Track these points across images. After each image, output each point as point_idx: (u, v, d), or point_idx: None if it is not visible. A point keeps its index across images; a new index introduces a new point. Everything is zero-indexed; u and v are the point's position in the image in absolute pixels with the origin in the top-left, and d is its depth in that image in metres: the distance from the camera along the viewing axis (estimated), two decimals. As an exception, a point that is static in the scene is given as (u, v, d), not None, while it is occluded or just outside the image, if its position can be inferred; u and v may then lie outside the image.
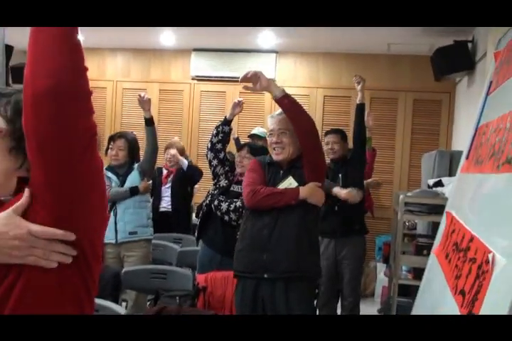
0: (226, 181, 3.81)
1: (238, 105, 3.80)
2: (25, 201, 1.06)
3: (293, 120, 2.71)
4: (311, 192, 2.73)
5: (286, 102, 2.68)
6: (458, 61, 4.97)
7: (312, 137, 2.75)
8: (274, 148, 2.85)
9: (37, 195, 1.06)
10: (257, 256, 2.72)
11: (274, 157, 2.87)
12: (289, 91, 2.80)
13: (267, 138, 2.96)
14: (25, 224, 1.05)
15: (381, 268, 5.76)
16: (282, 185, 2.79)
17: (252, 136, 5.41)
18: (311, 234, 2.79)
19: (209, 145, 3.81)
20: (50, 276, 1.08)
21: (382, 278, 5.62)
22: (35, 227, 1.05)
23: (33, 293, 1.06)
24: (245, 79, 2.71)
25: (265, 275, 2.71)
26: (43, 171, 1.03)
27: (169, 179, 5.47)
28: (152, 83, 7.10)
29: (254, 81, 2.71)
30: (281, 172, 2.86)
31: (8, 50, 1.88)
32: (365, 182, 4.60)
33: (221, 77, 6.79)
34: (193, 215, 5.68)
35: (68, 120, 1.00)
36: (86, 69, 1.05)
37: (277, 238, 2.70)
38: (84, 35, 6.54)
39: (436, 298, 2.28)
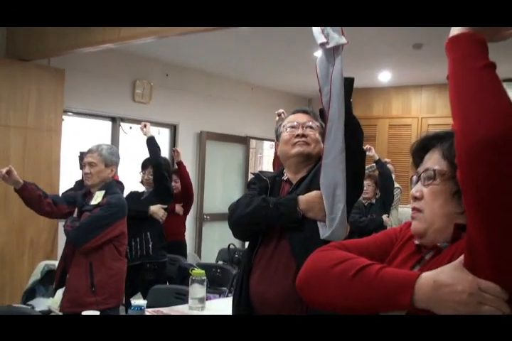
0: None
1: None
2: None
3: None
4: None
5: None
6: None
7: None
8: None
9: (473, 250, 0.97)
10: None
11: None
12: None
13: None
14: (474, 278, 0.97)
15: None
16: None
17: None
18: None
19: None
20: None
21: None
22: (485, 282, 0.96)
23: None
24: None
25: None
26: (479, 228, 0.93)
27: None
28: (458, 118, 6.80)
29: None
30: None
31: (349, 81, 1.88)
32: None
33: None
34: None
35: (509, 169, 0.87)
36: None
37: None
38: (391, 74, 6.68)
39: None
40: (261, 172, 2.27)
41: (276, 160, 3.10)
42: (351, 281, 1.08)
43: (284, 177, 2.15)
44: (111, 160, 3.11)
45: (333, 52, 1.79)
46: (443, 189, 1.09)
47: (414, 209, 1.14)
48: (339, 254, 1.17)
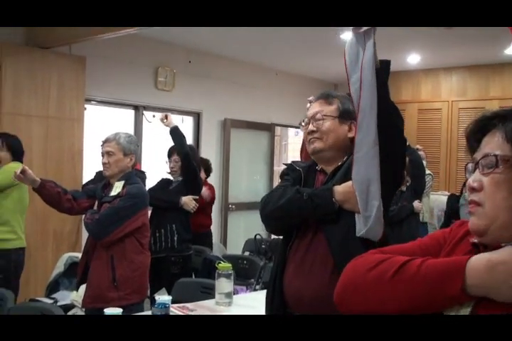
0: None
1: None
2: None
3: None
4: None
5: None
6: None
7: None
8: None
9: None
10: None
11: None
12: None
13: None
14: None
15: None
16: None
17: None
18: None
19: None
20: None
21: None
22: None
23: None
24: None
25: None
26: None
27: None
28: (491, 101, 6.56)
29: None
30: None
31: (385, 64, 1.68)
32: None
33: None
34: None
35: None
36: None
37: None
38: (420, 56, 6.45)
39: None
40: (294, 162, 2.15)
41: (304, 149, 2.97)
42: (391, 282, 0.95)
43: (318, 167, 2.02)
44: (129, 148, 2.98)
45: (363, 37, 1.62)
46: (507, 178, 0.93)
47: (472, 202, 0.97)
48: (376, 257, 1.03)
